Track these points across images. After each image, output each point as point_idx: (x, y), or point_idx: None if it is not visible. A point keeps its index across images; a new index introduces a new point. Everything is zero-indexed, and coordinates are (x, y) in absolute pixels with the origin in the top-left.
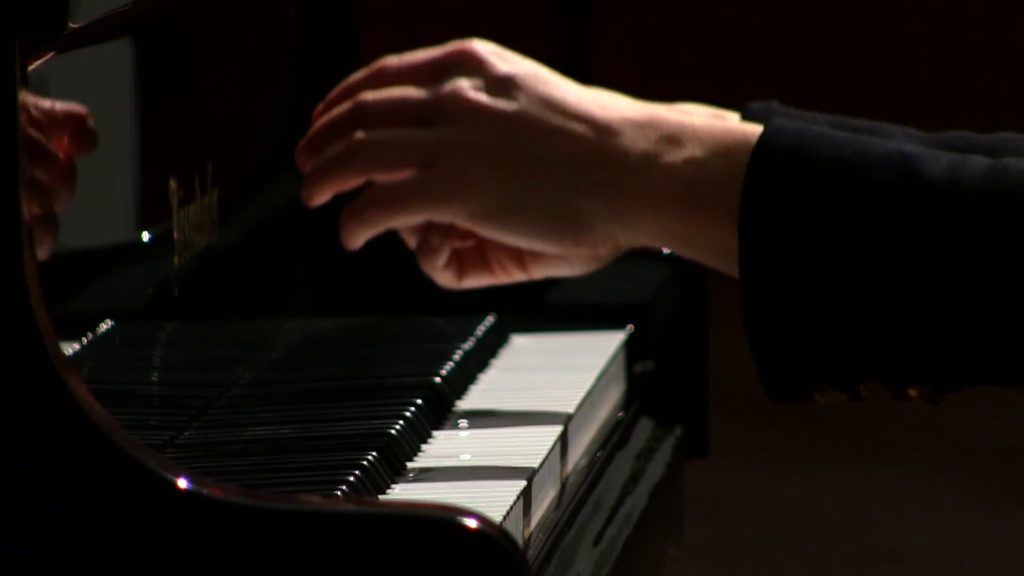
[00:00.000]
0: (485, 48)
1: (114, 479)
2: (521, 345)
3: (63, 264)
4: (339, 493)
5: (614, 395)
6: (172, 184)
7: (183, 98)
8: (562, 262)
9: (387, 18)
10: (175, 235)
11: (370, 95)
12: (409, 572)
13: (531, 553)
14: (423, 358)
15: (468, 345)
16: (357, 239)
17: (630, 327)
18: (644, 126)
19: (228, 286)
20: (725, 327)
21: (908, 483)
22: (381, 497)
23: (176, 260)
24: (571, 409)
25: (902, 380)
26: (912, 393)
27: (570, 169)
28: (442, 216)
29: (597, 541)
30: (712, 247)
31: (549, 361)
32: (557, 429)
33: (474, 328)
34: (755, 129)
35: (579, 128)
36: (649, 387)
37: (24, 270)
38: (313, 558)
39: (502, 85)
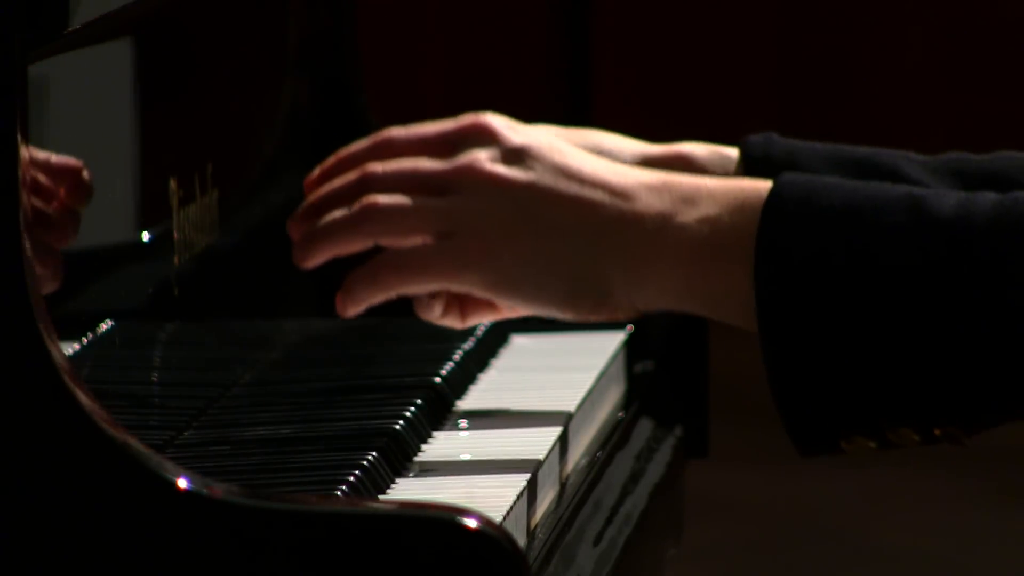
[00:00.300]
0: (498, 121)
1: (114, 479)
2: (521, 345)
3: (63, 264)
4: (339, 493)
5: (614, 395)
6: (172, 184)
7: (183, 98)
8: None
9: (387, 18)
10: (175, 235)
11: (379, 165)
12: (409, 572)
13: (531, 553)
14: (423, 358)
15: (468, 345)
16: (364, 303)
17: (630, 327)
18: (659, 190)
19: (228, 286)
20: (725, 327)
21: (908, 483)
22: (381, 497)
23: (176, 260)
24: (571, 409)
25: (929, 423)
26: (937, 433)
27: (588, 235)
28: (459, 286)
29: (597, 541)
30: (729, 303)
31: (549, 361)
32: (557, 429)
33: (474, 328)
34: (766, 184)
35: (595, 195)
36: (649, 387)
37: (24, 270)
38: (313, 558)
39: (517, 155)
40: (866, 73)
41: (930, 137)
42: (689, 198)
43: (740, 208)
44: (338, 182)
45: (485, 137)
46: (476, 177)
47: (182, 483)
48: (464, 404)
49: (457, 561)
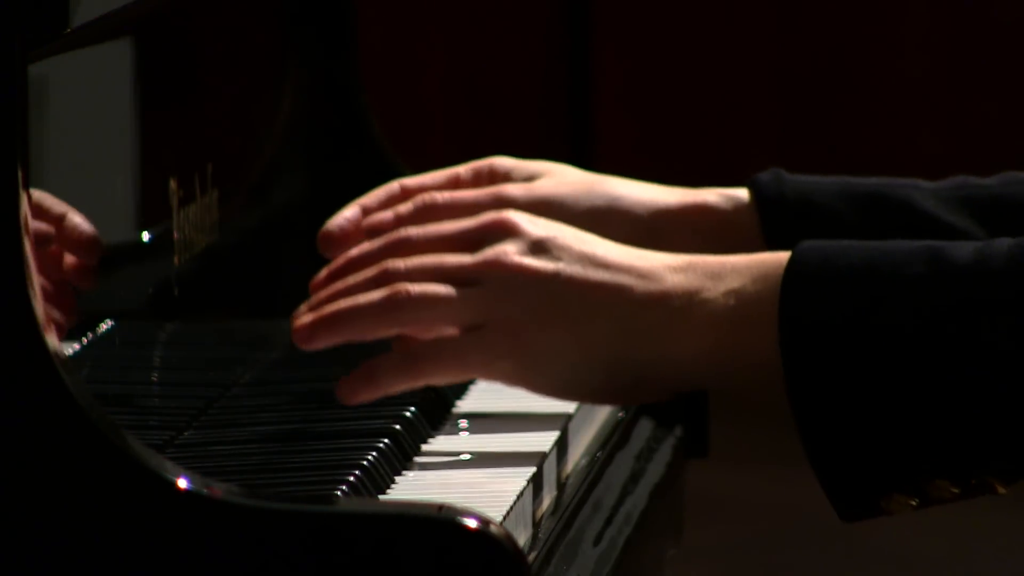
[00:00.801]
0: (519, 216)
1: (114, 479)
2: None
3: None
4: (339, 493)
5: None
6: (172, 184)
7: (183, 98)
8: None
9: (387, 18)
10: (175, 235)
11: (400, 261)
12: (409, 572)
13: (532, 553)
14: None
15: None
16: (386, 391)
17: None
18: (684, 269)
19: (228, 286)
20: None
21: None
22: (381, 497)
23: (176, 260)
24: (571, 409)
25: (966, 473)
26: (974, 483)
27: (619, 318)
28: (491, 376)
29: (597, 541)
30: (759, 374)
31: None
32: (556, 429)
33: None
34: (787, 253)
35: (623, 279)
36: None
37: (24, 270)
38: (313, 558)
39: (542, 246)
40: (866, 74)
41: (930, 138)
42: (714, 274)
43: (764, 278)
44: (354, 278)
45: (507, 231)
46: (504, 270)
47: (182, 483)
48: (464, 404)
49: (457, 561)
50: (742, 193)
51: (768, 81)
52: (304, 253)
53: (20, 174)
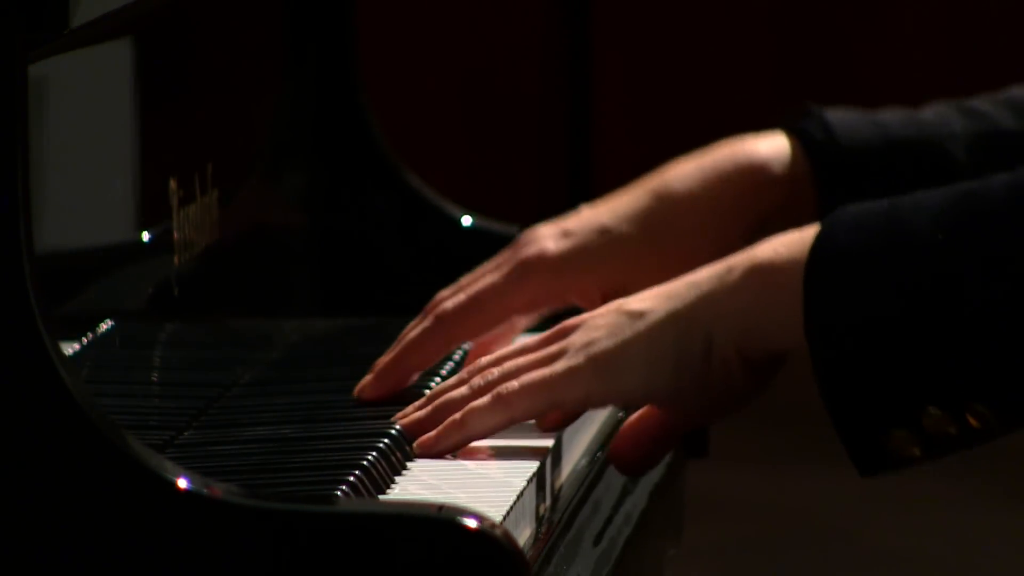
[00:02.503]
0: (580, 317)
1: (114, 479)
2: None
3: (63, 264)
4: (339, 493)
5: None
6: (172, 184)
7: (183, 98)
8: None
9: (387, 18)
10: (175, 235)
11: (494, 369)
12: (409, 572)
13: (531, 553)
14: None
15: (468, 345)
16: (485, 433)
17: None
18: (724, 262)
19: (228, 286)
20: None
21: (908, 483)
22: (381, 497)
23: (176, 260)
24: None
25: (959, 399)
26: (973, 423)
27: (677, 306)
28: (576, 396)
29: (597, 541)
30: (783, 313)
31: None
32: (552, 437)
33: None
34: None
35: (675, 284)
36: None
37: (24, 270)
38: (313, 558)
39: (614, 311)
40: (866, 74)
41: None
42: (754, 248)
43: (803, 234)
44: (452, 393)
45: (573, 328)
46: (575, 324)
47: (182, 483)
48: None
49: (457, 561)
50: (781, 144)
51: (768, 81)
52: (304, 253)
53: (20, 174)
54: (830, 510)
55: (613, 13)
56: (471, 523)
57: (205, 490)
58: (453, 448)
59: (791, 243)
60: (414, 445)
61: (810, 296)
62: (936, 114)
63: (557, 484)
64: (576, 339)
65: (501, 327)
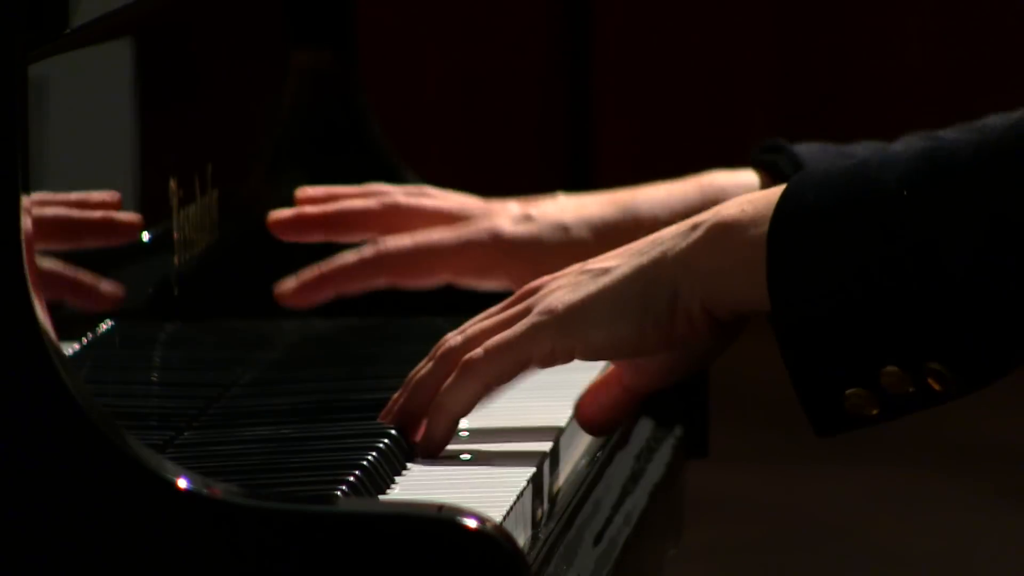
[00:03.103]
0: (543, 279)
1: (114, 479)
2: None
3: (63, 264)
4: (339, 493)
5: None
6: (172, 184)
7: (183, 98)
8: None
9: (387, 18)
10: (175, 235)
11: (456, 338)
12: (409, 572)
13: (531, 553)
14: (423, 358)
15: None
16: (465, 409)
17: None
18: (690, 220)
19: (228, 286)
20: None
21: (908, 483)
22: (381, 497)
23: (176, 260)
24: (570, 409)
25: (917, 357)
26: (934, 386)
27: (642, 259)
28: (542, 352)
29: (597, 541)
30: (755, 271)
31: None
32: (556, 429)
33: None
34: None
35: (636, 243)
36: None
37: (24, 270)
38: (313, 558)
39: (577, 271)
40: (866, 73)
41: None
42: (720, 206)
43: (769, 193)
44: (420, 376)
45: (535, 289)
46: (536, 286)
47: (182, 483)
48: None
49: (457, 561)
50: (750, 179)
51: (767, 81)
52: (304, 253)
53: (20, 174)
54: (830, 510)
55: (613, 12)
56: (471, 523)
57: (205, 490)
58: (446, 433)
59: (756, 200)
60: (416, 451)
61: (773, 253)
62: (905, 144)
63: (557, 484)
64: (538, 298)
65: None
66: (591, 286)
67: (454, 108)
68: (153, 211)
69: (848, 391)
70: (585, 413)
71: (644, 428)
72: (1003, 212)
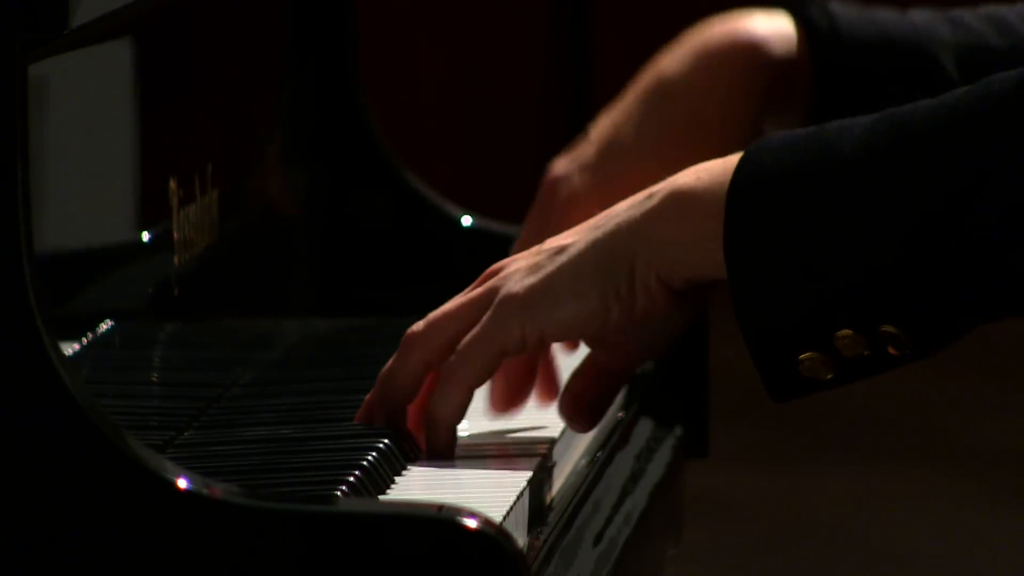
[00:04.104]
0: (506, 261)
1: (114, 479)
2: None
3: (63, 264)
4: (339, 493)
5: None
6: (172, 184)
7: (183, 98)
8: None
9: (387, 18)
10: (175, 235)
11: (416, 325)
12: (409, 572)
13: (531, 553)
14: None
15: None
16: (454, 414)
17: None
18: (646, 190)
19: (228, 286)
20: (725, 327)
21: (908, 483)
22: (381, 498)
23: (176, 260)
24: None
25: (870, 320)
26: (889, 350)
27: (599, 233)
28: (512, 339)
29: (597, 541)
30: (705, 233)
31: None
32: (557, 428)
33: None
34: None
35: (592, 219)
36: (649, 387)
37: (24, 270)
38: (313, 558)
39: (535, 251)
40: None
41: None
42: (676, 176)
43: (726, 160)
44: (387, 366)
45: (498, 271)
46: (495, 270)
47: (182, 483)
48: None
49: (457, 561)
50: (786, 27)
51: None
52: (304, 253)
53: (20, 174)
54: (830, 510)
55: (613, 13)
56: (471, 523)
57: (205, 490)
58: (448, 441)
59: (712, 168)
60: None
61: (730, 219)
62: (925, 20)
63: (557, 484)
64: (498, 281)
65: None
66: (549, 266)
67: (454, 108)
68: (153, 211)
69: (802, 355)
70: (567, 406)
71: (644, 428)
72: (958, 179)
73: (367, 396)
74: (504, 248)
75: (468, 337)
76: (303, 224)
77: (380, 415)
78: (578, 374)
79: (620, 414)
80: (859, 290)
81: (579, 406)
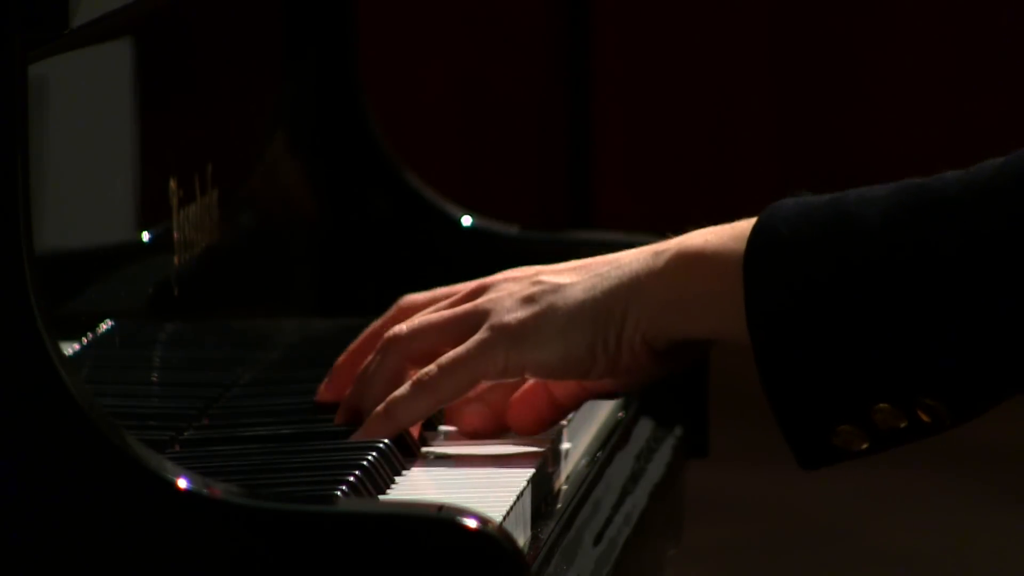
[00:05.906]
0: (496, 277)
1: (114, 479)
2: None
3: (63, 264)
4: (339, 493)
5: None
6: (172, 184)
7: (183, 98)
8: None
9: (387, 18)
10: (175, 235)
11: (402, 326)
12: (409, 572)
13: (531, 553)
14: None
15: None
16: (411, 420)
17: None
18: (652, 246)
19: (228, 286)
20: None
21: (908, 483)
22: (381, 497)
23: (176, 260)
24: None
25: (910, 394)
26: (924, 418)
27: (594, 279)
28: (494, 368)
29: (597, 541)
30: (718, 304)
31: None
32: (556, 429)
33: None
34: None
35: (594, 261)
36: (649, 387)
37: (24, 270)
38: (313, 558)
39: (530, 280)
40: (865, 73)
41: (929, 137)
42: (685, 236)
43: (732, 227)
44: (364, 364)
45: (486, 288)
46: (487, 285)
47: (182, 483)
48: None
49: (457, 561)
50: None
51: (767, 81)
52: (304, 253)
53: (20, 174)
54: (830, 510)
55: (613, 13)
56: (471, 523)
57: (205, 490)
58: (388, 436)
59: (722, 233)
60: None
61: (751, 286)
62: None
63: (557, 484)
64: (488, 306)
65: None
66: (543, 302)
67: (454, 109)
68: (153, 211)
69: (837, 428)
70: (514, 419)
71: (644, 428)
72: (989, 246)
73: (344, 397)
74: (504, 248)
75: (452, 354)
76: (303, 224)
77: (356, 415)
78: (528, 393)
79: (620, 414)
80: (898, 363)
81: (524, 424)
